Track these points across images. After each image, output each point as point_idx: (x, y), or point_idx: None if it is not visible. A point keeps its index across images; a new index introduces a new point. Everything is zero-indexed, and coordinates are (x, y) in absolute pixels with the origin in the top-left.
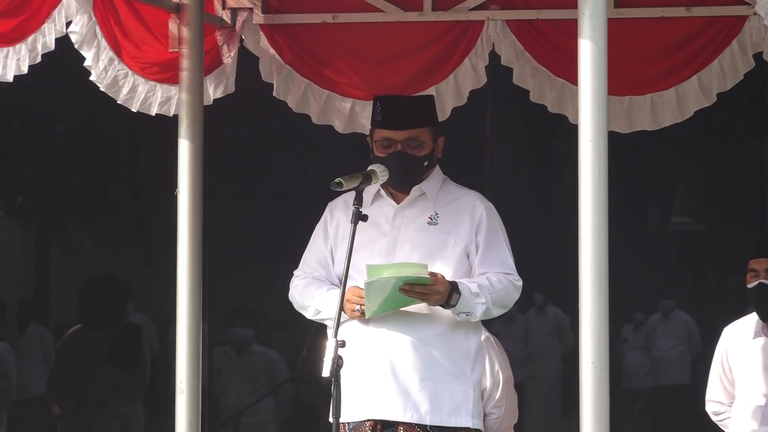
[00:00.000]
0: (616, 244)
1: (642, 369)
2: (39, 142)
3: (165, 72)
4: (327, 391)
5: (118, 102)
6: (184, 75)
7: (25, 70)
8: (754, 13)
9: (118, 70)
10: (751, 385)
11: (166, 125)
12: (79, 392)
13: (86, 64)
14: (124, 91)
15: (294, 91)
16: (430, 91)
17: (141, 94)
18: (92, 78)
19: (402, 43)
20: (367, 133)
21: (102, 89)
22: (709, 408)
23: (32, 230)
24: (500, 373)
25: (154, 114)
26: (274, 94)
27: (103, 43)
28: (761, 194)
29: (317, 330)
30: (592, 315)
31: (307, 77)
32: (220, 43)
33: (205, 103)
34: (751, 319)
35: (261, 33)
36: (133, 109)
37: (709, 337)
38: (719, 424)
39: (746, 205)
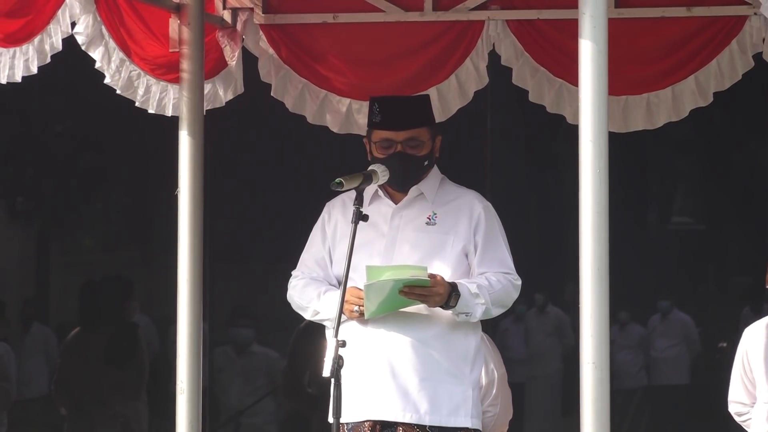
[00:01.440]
0: (616, 244)
1: (633, 368)
2: (39, 142)
3: (172, 72)
4: (312, 398)
5: (137, 105)
6: (185, 75)
7: (34, 70)
8: (755, 14)
9: (131, 71)
10: None
11: (167, 125)
12: (81, 393)
13: (97, 66)
14: (140, 92)
15: (291, 90)
16: (431, 91)
17: (155, 95)
18: (106, 81)
19: (400, 43)
20: (361, 133)
21: (118, 92)
22: (732, 409)
23: (33, 230)
24: (495, 371)
25: (170, 115)
26: (272, 94)
27: (112, 43)
28: (762, 194)
29: (296, 339)
30: (592, 315)
31: (305, 77)
32: (223, 45)
33: (217, 106)
34: None
35: (261, 33)
36: (151, 111)
37: (710, 337)
38: (743, 425)
39: (746, 206)
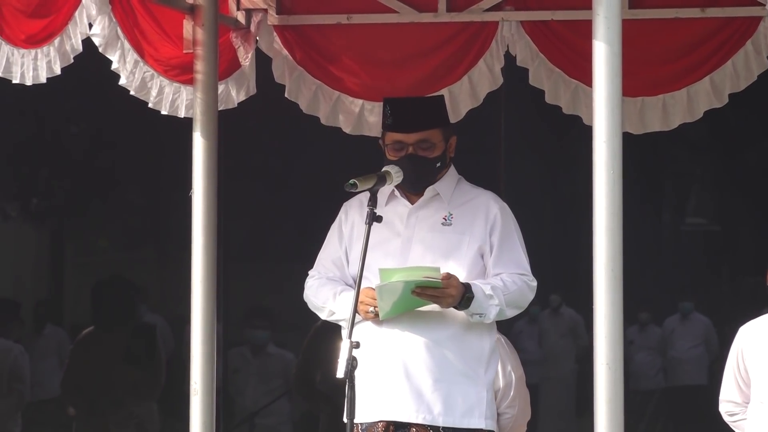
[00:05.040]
0: (630, 245)
1: (652, 369)
2: (54, 144)
3: (186, 74)
4: (324, 396)
5: (150, 106)
6: (199, 76)
7: (58, 71)
8: None
9: (145, 72)
10: None
11: (181, 126)
12: (93, 393)
13: (113, 67)
14: (153, 93)
15: (305, 92)
16: (443, 92)
17: (168, 96)
18: (122, 82)
19: (414, 44)
20: (373, 134)
21: (132, 93)
22: (723, 408)
23: (47, 231)
24: (512, 373)
25: (182, 116)
26: (285, 95)
27: (127, 45)
28: None
29: (313, 336)
30: (606, 316)
31: (318, 78)
32: (237, 46)
33: (230, 107)
34: None
35: (275, 34)
36: (164, 112)
37: (725, 338)
38: (733, 426)
39: (761, 206)
